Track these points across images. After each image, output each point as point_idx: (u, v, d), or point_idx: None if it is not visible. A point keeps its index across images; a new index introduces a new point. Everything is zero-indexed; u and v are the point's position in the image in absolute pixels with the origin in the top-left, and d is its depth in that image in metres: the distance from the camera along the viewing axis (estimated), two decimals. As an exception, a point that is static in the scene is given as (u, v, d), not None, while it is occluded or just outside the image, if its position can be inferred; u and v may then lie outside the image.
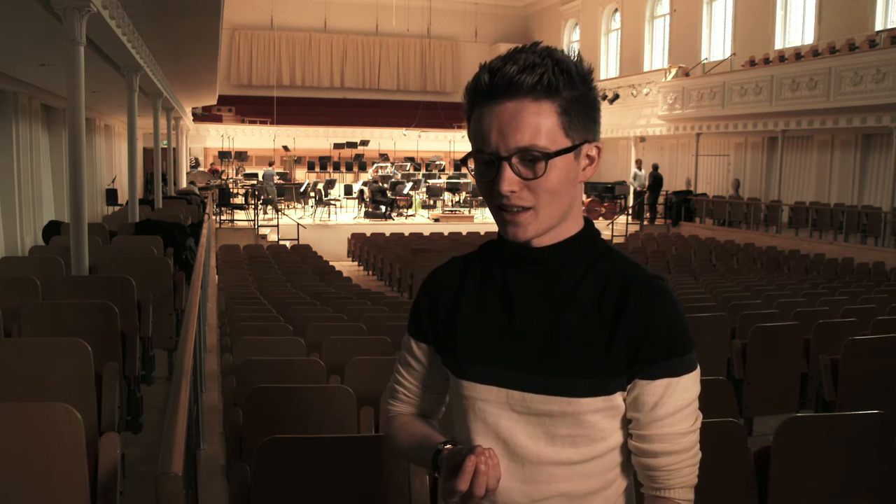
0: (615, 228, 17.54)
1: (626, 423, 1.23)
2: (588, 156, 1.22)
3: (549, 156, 1.15)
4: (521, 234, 1.19)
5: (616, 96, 20.92)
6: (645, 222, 18.48)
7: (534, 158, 1.15)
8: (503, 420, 1.23)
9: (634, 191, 19.27)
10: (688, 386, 1.20)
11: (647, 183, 18.89)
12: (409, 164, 22.84)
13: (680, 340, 1.19)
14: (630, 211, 19.09)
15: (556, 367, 1.19)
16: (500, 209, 1.19)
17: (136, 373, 4.26)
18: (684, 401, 1.20)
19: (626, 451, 1.25)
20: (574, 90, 1.16)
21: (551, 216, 1.19)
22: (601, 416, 1.20)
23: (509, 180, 1.16)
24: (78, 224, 5.60)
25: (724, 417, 2.56)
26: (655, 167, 18.99)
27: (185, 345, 2.78)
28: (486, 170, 1.19)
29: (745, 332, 5.02)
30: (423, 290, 1.36)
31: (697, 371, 1.22)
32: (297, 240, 15.51)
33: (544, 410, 1.20)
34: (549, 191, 1.17)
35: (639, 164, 19.68)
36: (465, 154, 1.25)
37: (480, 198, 19.42)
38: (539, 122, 1.15)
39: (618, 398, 1.20)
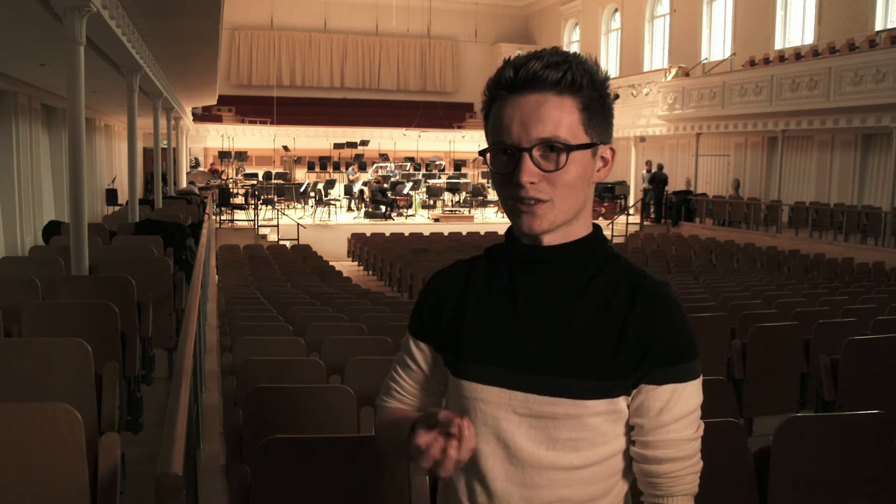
0: (615, 228, 17.57)
1: (628, 429, 1.22)
2: (603, 157, 1.24)
3: (570, 148, 1.16)
4: (536, 225, 1.19)
5: (616, 96, 20.78)
6: (647, 222, 18.50)
7: (555, 150, 1.16)
8: (504, 422, 1.22)
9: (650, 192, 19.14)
10: (693, 392, 1.20)
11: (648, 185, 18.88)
12: (409, 164, 22.82)
13: (687, 347, 1.20)
14: (653, 213, 19.00)
15: (561, 368, 1.18)
16: (517, 201, 1.19)
17: (136, 373, 4.26)
18: (689, 407, 1.20)
19: (626, 457, 1.24)
20: (594, 91, 1.19)
21: (566, 210, 1.20)
22: (604, 419, 1.19)
23: (529, 171, 1.16)
24: (78, 224, 5.60)
25: (724, 417, 2.56)
26: (660, 167, 18.96)
27: (185, 345, 2.78)
28: (505, 162, 1.19)
29: (745, 332, 5.02)
30: (427, 288, 1.35)
31: (701, 379, 1.22)
32: (297, 240, 15.52)
33: (548, 412, 1.19)
34: (567, 184, 1.18)
35: (649, 165, 19.52)
36: (482, 149, 1.25)
37: (480, 198, 19.60)
38: (561, 116, 1.16)
39: (621, 402, 1.20)
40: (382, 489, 2.20)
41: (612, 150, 1.24)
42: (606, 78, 1.22)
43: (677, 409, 1.18)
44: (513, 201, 1.19)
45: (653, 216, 18.89)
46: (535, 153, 1.16)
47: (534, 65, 1.16)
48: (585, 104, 1.18)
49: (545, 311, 1.21)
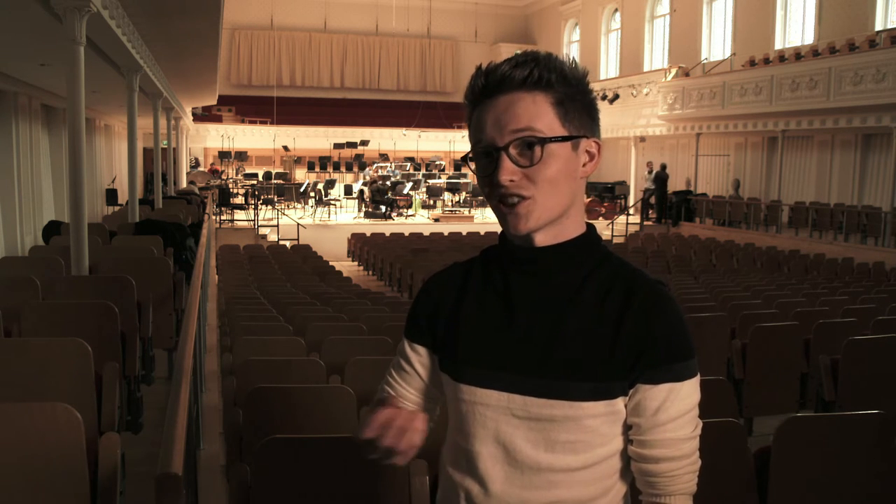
0: (615, 228, 17.57)
1: (626, 429, 1.22)
2: (588, 151, 1.23)
3: (545, 140, 1.16)
4: (522, 224, 1.19)
5: (616, 96, 20.89)
6: (647, 222, 18.50)
7: (530, 144, 1.16)
8: (503, 425, 1.22)
9: (652, 192, 19.08)
10: (689, 391, 1.20)
11: (652, 185, 18.88)
12: (409, 164, 22.82)
13: (683, 345, 1.19)
14: (652, 213, 18.95)
15: (558, 371, 1.18)
16: (500, 201, 1.19)
17: (136, 373, 4.26)
18: (686, 406, 1.19)
19: (625, 457, 1.24)
20: (568, 87, 1.19)
21: (551, 207, 1.19)
22: (602, 420, 1.19)
23: (507, 169, 1.17)
24: (78, 224, 5.60)
25: (724, 417, 2.56)
26: (663, 166, 18.96)
27: (185, 345, 2.78)
28: (485, 164, 1.20)
29: (745, 332, 5.02)
30: (424, 291, 1.35)
31: (698, 378, 1.22)
32: (297, 240, 15.52)
33: (546, 415, 1.19)
34: (548, 180, 1.17)
35: (650, 165, 19.48)
36: (465, 154, 1.27)
37: (480, 197, 19.60)
38: (534, 111, 1.17)
39: (619, 403, 1.19)
40: (382, 489, 2.20)
41: (598, 144, 1.24)
42: (584, 74, 1.22)
43: (674, 408, 1.18)
44: (497, 202, 1.20)
45: (653, 216, 18.90)
46: (512, 151, 1.17)
47: (502, 68, 1.19)
48: (559, 99, 1.18)
49: (540, 314, 1.21)
